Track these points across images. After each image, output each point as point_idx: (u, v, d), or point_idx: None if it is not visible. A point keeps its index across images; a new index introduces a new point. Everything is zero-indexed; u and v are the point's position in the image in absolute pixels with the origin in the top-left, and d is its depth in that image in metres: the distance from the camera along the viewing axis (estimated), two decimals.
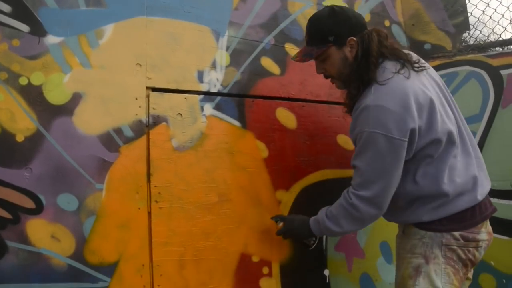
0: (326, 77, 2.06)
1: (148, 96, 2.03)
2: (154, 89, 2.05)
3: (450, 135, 1.88)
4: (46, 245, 1.79)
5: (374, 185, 1.86)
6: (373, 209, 1.90)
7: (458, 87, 2.78)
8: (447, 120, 1.90)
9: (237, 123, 2.22)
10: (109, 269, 1.88)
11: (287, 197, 2.31)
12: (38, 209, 1.79)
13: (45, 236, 1.79)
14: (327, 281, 2.37)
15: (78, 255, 1.84)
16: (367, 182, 1.88)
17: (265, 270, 2.21)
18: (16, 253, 1.74)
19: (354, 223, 1.96)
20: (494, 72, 2.70)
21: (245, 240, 2.17)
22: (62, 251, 1.81)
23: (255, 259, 2.20)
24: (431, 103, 1.85)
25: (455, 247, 1.87)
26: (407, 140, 1.80)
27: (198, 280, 2.05)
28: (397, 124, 1.79)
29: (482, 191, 1.94)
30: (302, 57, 2.02)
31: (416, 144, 1.84)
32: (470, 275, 2.05)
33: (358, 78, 1.92)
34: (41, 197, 1.80)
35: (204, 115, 2.14)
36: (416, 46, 2.90)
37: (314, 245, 2.13)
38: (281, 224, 2.13)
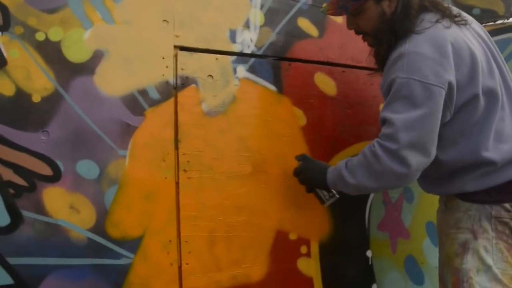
0: (358, 33, 1.92)
1: (176, 56, 1.85)
2: (182, 48, 1.88)
3: (493, 93, 1.72)
4: (64, 216, 1.64)
5: (404, 136, 1.65)
6: (396, 165, 1.67)
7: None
8: (490, 78, 1.74)
9: (272, 88, 2.05)
10: (133, 244, 1.73)
11: None
12: (55, 177, 1.63)
13: (63, 206, 1.64)
14: (370, 263, 2.20)
15: (99, 228, 1.68)
16: (396, 133, 1.66)
17: (303, 249, 2.06)
18: (32, 224, 1.60)
19: (371, 177, 1.74)
20: None
21: (281, 216, 2.01)
22: (82, 223, 1.66)
23: (292, 237, 2.04)
24: (473, 56, 1.70)
25: (507, 219, 1.70)
26: (445, 88, 1.65)
27: (230, 259, 1.90)
28: (435, 71, 1.64)
29: None
30: (337, 9, 1.85)
31: (456, 100, 1.69)
32: None
33: (392, 32, 1.78)
34: (59, 163, 1.64)
35: (237, 77, 1.97)
36: (463, 11, 2.69)
37: (329, 203, 1.94)
38: (301, 163, 1.97)
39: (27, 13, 1.64)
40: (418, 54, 1.66)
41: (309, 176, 1.95)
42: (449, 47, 1.67)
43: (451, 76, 1.65)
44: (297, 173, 1.98)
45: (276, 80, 2.06)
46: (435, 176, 1.84)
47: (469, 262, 1.70)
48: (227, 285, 1.89)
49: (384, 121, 1.73)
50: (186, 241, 1.82)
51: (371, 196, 2.22)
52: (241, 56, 2.00)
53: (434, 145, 1.70)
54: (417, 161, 1.68)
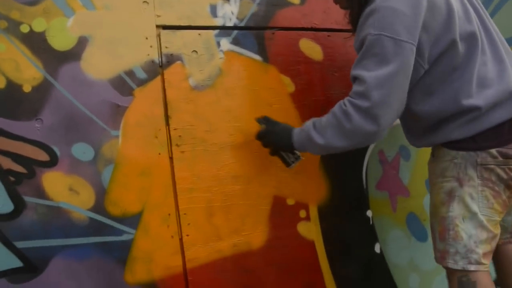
0: None
1: (159, 35, 1.88)
2: (165, 27, 1.90)
3: (472, 37, 1.67)
4: (64, 198, 1.70)
5: (375, 93, 1.61)
6: (368, 124, 1.63)
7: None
8: (468, 22, 1.69)
9: (257, 57, 2.05)
10: (133, 220, 1.78)
11: None
12: (53, 161, 1.70)
13: (63, 189, 1.70)
14: (371, 222, 2.21)
15: (99, 207, 1.74)
16: (367, 91, 1.62)
17: (302, 213, 2.07)
18: (34, 209, 1.67)
19: (341, 137, 1.70)
20: None
21: (277, 183, 2.02)
22: (82, 204, 1.72)
23: (290, 202, 2.05)
24: (448, 3, 1.65)
25: (492, 166, 1.66)
26: (415, 44, 1.60)
27: (230, 228, 1.93)
28: (406, 26, 1.59)
29: None
30: None
31: (431, 49, 1.65)
32: None
33: None
34: (55, 148, 1.70)
35: (221, 50, 1.98)
36: None
37: (294, 165, 1.90)
38: (263, 126, 1.92)
39: (9, 7, 1.70)
40: (389, 9, 1.61)
41: (273, 139, 1.90)
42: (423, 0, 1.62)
43: (426, 25, 1.61)
44: (260, 136, 1.93)
45: (261, 49, 2.06)
46: (421, 129, 1.81)
47: (455, 210, 1.69)
48: (228, 253, 1.92)
49: (355, 79, 1.69)
50: (184, 214, 1.85)
51: (367, 156, 2.22)
52: (224, 29, 2.00)
53: (403, 100, 1.67)
54: (387, 118, 1.64)
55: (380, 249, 2.22)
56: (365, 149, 2.23)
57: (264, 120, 1.93)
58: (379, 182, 2.25)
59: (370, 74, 1.62)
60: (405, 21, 1.59)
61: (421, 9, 1.60)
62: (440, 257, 1.75)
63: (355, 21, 1.79)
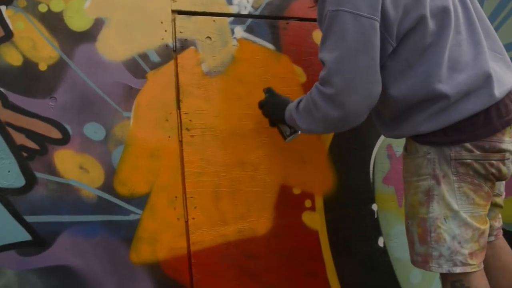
0: None
1: (174, 20, 1.90)
2: (180, 12, 1.92)
3: (445, 13, 1.51)
4: (74, 176, 1.73)
5: (337, 78, 1.48)
6: (335, 110, 1.52)
7: None
8: None
9: (271, 46, 2.05)
10: (141, 201, 1.81)
11: None
12: (65, 139, 1.73)
13: (73, 167, 1.73)
14: (376, 216, 2.21)
15: (107, 186, 1.77)
16: (330, 75, 1.50)
17: (308, 203, 2.08)
18: (45, 185, 1.70)
19: (316, 122, 1.62)
20: None
21: (284, 171, 2.04)
22: (91, 182, 1.75)
23: (296, 191, 2.06)
24: None
25: (469, 160, 1.52)
26: (378, 19, 1.45)
27: (235, 213, 1.95)
28: (368, 0, 1.44)
29: (501, 88, 1.53)
30: None
31: (399, 25, 1.49)
32: (500, 200, 1.74)
33: None
34: (67, 126, 1.73)
35: (235, 38, 1.99)
36: None
37: (290, 139, 1.87)
38: (266, 95, 1.93)
39: None
40: None
41: (270, 110, 1.89)
42: None
43: (390, 4, 1.46)
44: (261, 105, 1.92)
45: (274, 39, 2.07)
46: (389, 117, 1.69)
47: (436, 210, 1.55)
48: (233, 238, 1.94)
49: (322, 62, 1.57)
50: (191, 197, 1.88)
51: (375, 150, 2.22)
52: (238, 17, 2.01)
53: (373, 83, 1.52)
54: (355, 102, 1.52)
55: (384, 243, 2.23)
56: (373, 143, 2.23)
57: (267, 90, 1.94)
58: (386, 177, 2.24)
59: (330, 56, 1.50)
60: None
61: None
62: (422, 261, 1.62)
63: None
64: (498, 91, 1.52)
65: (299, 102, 1.71)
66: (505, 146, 1.54)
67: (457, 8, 1.58)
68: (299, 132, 1.86)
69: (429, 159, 1.57)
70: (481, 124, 1.51)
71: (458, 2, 1.60)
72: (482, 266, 1.59)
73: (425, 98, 1.54)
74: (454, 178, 1.54)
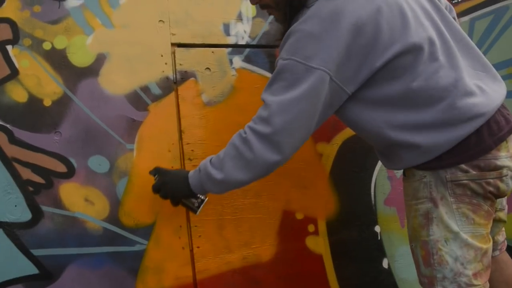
0: (262, 7, 1.72)
1: (173, 53, 1.95)
2: (180, 45, 1.97)
3: (415, 52, 1.48)
4: (80, 208, 1.76)
5: (278, 120, 1.49)
6: (270, 152, 1.51)
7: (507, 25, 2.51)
8: (406, 35, 1.48)
9: (268, 75, 2.09)
10: (146, 231, 1.83)
11: (329, 150, 2.17)
12: (70, 173, 1.77)
13: (79, 199, 1.77)
14: (379, 238, 2.23)
15: (113, 218, 1.80)
16: (271, 116, 1.50)
17: (311, 228, 2.09)
18: (51, 218, 1.73)
19: (242, 168, 1.56)
20: None
21: (286, 197, 2.06)
22: (97, 214, 1.78)
23: (299, 216, 2.08)
24: (378, 12, 1.46)
25: (465, 181, 1.50)
26: (329, 71, 1.45)
27: (240, 240, 1.97)
28: (320, 52, 1.44)
29: (489, 105, 1.51)
30: None
31: (355, 74, 1.48)
32: (503, 215, 1.72)
33: (289, 4, 1.60)
34: (72, 160, 1.77)
35: (233, 68, 2.04)
36: None
37: (200, 209, 1.76)
38: (156, 178, 1.78)
39: (33, 26, 1.79)
40: (303, 32, 1.48)
41: (170, 189, 1.74)
42: (345, 17, 1.44)
43: (345, 56, 1.45)
44: (156, 189, 1.76)
45: (272, 67, 2.10)
46: (380, 153, 1.72)
47: (436, 233, 1.54)
48: (238, 265, 1.95)
49: (263, 103, 1.58)
50: (195, 226, 1.90)
51: (376, 172, 2.24)
52: (236, 47, 2.07)
53: (307, 132, 1.55)
54: (291, 147, 1.54)
55: (388, 265, 2.24)
56: (373, 165, 2.25)
57: (155, 172, 1.80)
58: (388, 198, 2.26)
59: (275, 99, 1.51)
60: (319, 47, 1.45)
61: (341, 33, 1.44)
62: (428, 283, 1.61)
63: (281, 36, 1.66)
64: (486, 109, 1.50)
65: (211, 159, 1.66)
66: (501, 162, 1.52)
67: (432, 38, 1.54)
68: (206, 198, 1.78)
69: (425, 182, 1.56)
70: (474, 144, 1.50)
71: (433, 30, 1.57)
72: (487, 285, 1.58)
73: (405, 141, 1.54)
74: (452, 199, 1.53)
